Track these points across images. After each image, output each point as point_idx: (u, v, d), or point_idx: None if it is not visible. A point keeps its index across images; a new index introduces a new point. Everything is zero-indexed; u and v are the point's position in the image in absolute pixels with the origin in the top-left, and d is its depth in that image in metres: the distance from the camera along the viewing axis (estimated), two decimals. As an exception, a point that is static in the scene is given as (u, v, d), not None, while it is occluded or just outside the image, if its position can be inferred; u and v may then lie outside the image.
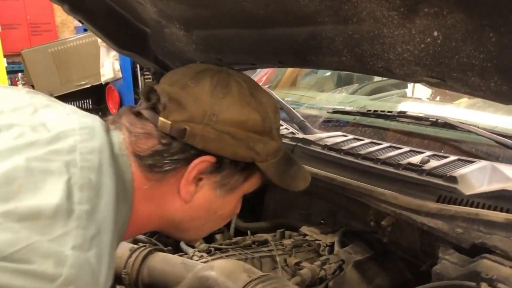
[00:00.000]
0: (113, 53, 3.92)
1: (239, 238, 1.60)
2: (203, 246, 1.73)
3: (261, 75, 2.32)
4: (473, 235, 1.02)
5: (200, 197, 0.90)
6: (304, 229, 1.64)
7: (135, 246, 1.23)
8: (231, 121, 0.86)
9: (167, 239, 1.93)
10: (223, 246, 1.48)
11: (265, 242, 1.54)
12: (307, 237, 1.59)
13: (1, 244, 0.62)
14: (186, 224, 0.94)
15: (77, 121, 0.82)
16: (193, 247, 1.77)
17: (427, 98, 1.77)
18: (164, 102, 0.86)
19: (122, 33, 1.80)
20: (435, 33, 0.86)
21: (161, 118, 0.85)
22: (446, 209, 1.06)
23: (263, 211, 2.00)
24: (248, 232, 1.67)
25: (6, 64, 6.50)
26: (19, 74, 5.90)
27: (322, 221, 1.70)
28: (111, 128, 0.87)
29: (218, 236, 1.93)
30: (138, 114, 0.89)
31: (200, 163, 0.86)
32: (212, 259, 1.36)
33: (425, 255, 1.21)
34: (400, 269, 1.38)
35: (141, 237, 1.62)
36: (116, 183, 0.77)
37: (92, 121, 0.84)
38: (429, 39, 0.88)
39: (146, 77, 4.38)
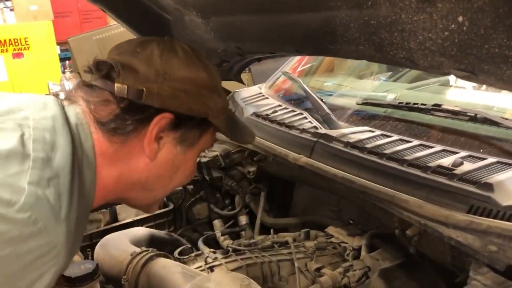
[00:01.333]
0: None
1: (259, 238, 1.51)
2: (226, 242, 1.68)
3: (295, 61, 2.20)
4: (509, 254, 0.87)
5: (163, 154, 0.95)
6: (331, 229, 1.53)
7: (137, 250, 1.17)
8: (183, 78, 0.93)
9: (192, 234, 1.89)
10: (241, 247, 1.39)
11: (286, 243, 1.44)
12: (332, 239, 1.48)
13: None
14: (152, 183, 0.98)
15: (30, 99, 0.88)
16: (216, 244, 1.73)
17: (472, 87, 1.58)
18: (117, 69, 0.90)
19: (145, 21, 1.76)
20: (460, 19, 0.73)
21: (117, 84, 0.89)
22: (477, 222, 0.91)
23: (292, 207, 1.91)
24: (271, 231, 1.58)
25: (59, 52, 6.72)
26: (67, 62, 6.07)
27: (351, 221, 1.58)
28: (66, 104, 0.91)
29: (243, 233, 1.87)
30: (91, 86, 0.93)
31: (160, 120, 0.91)
32: (226, 262, 1.29)
33: (457, 269, 1.07)
34: (433, 279, 1.25)
35: (161, 232, 1.58)
36: (72, 145, 0.82)
37: (45, 97, 0.90)
38: (453, 26, 0.75)
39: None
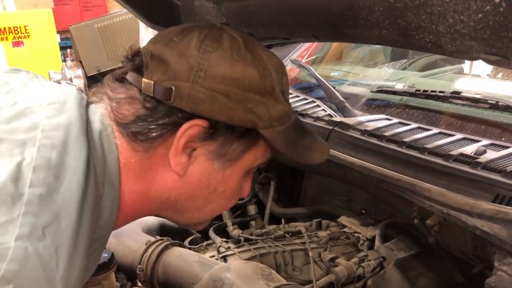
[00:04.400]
0: (151, 30, 3.85)
1: (271, 227, 1.49)
2: (236, 232, 1.66)
3: (302, 50, 2.17)
4: (538, 244, 0.85)
5: (195, 170, 0.78)
6: (343, 219, 1.51)
7: (152, 239, 1.15)
8: (223, 77, 0.74)
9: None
10: (253, 237, 1.37)
11: (298, 233, 1.42)
12: (345, 229, 1.47)
13: None
14: (183, 204, 0.82)
15: (49, 95, 0.73)
16: (225, 234, 1.71)
17: (487, 75, 1.56)
18: (146, 60, 0.75)
19: (153, 7, 1.73)
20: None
21: (144, 79, 0.74)
22: (505, 211, 0.88)
23: (301, 197, 1.89)
24: (282, 221, 1.57)
25: (59, 40, 6.66)
26: (68, 50, 6.02)
27: (363, 211, 1.56)
28: (93, 101, 0.77)
29: (252, 223, 1.85)
30: (121, 80, 0.78)
31: (190, 127, 0.74)
32: (239, 252, 1.27)
33: (478, 260, 1.05)
34: (450, 270, 1.23)
35: (171, 223, 1.56)
36: (87, 162, 0.66)
37: (66, 94, 0.74)
38: (488, 7, 0.72)
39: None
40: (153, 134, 0.74)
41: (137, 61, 0.77)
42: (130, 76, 0.76)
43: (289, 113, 0.84)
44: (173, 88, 0.72)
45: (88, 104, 0.76)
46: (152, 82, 0.73)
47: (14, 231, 0.57)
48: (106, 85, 0.78)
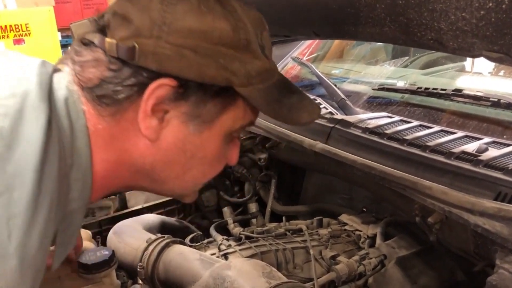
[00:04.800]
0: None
1: (272, 225, 1.49)
2: (237, 230, 1.66)
3: (304, 47, 2.16)
4: (539, 242, 0.85)
5: (168, 134, 0.72)
6: (344, 217, 1.51)
7: (152, 237, 1.15)
8: (190, 31, 0.67)
9: (201, 222, 1.87)
10: (254, 235, 1.37)
11: (299, 231, 1.42)
12: (346, 227, 1.47)
13: None
14: (160, 172, 0.76)
15: (9, 66, 0.69)
16: (226, 232, 1.71)
17: (489, 73, 1.55)
18: (108, 19, 0.70)
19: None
20: (500, -4, 0.69)
21: (106, 39, 0.68)
22: (506, 209, 0.88)
23: (302, 195, 1.89)
24: (283, 218, 1.56)
25: (60, 38, 6.66)
26: (69, 48, 6.01)
27: (364, 209, 1.56)
28: (59, 68, 0.71)
29: (253, 221, 1.85)
30: (87, 43, 0.70)
31: (158, 88, 0.68)
32: (240, 249, 1.27)
33: (480, 258, 1.05)
34: (451, 268, 1.23)
35: (172, 219, 1.56)
36: (46, 130, 0.61)
37: (27, 63, 0.69)
38: (491, 4, 0.71)
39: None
40: (119, 96, 0.68)
41: (102, 21, 0.71)
42: (95, 38, 0.70)
43: (270, 69, 0.77)
44: (136, 46, 0.66)
45: (55, 71, 0.70)
46: (115, 41, 0.67)
47: None
48: (72, 50, 0.72)
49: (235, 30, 0.70)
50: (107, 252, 1.00)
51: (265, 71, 0.75)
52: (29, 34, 5.63)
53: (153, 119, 0.70)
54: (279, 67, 2.16)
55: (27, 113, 0.61)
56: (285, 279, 0.88)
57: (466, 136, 1.15)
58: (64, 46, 6.58)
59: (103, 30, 0.70)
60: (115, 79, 0.68)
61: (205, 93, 0.71)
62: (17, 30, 5.53)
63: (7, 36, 5.52)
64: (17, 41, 5.68)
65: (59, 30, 6.24)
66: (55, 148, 0.62)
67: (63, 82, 0.68)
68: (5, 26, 5.47)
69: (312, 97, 1.66)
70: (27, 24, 5.54)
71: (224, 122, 0.75)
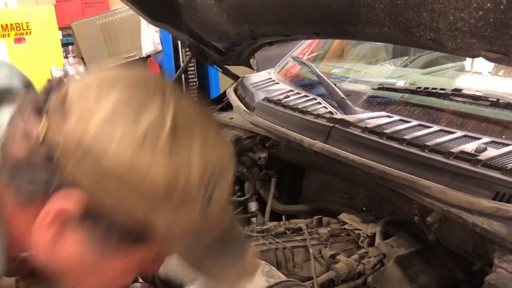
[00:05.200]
0: (153, 26, 3.87)
1: (272, 224, 1.50)
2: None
3: (304, 47, 2.17)
4: (537, 241, 0.85)
5: (64, 249, 0.64)
6: (344, 216, 1.52)
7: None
8: (120, 162, 0.58)
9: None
10: (253, 234, 1.38)
11: (299, 230, 1.43)
12: (346, 226, 1.47)
13: None
14: (54, 275, 0.69)
15: None
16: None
17: (489, 73, 1.56)
18: (54, 102, 0.61)
19: (155, 3, 1.73)
20: (498, -3, 0.70)
21: (43, 121, 0.60)
22: (505, 209, 0.89)
23: (302, 194, 1.89)
24: (283, 217, 1.57)
25: (61, 37, 6.66)
26: (70, 47, 6.02)
27: (364, 208, 1.57)
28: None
29: (253, 220, 1.85)
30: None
31: (64, 204, 0.60)
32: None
33: (478, 257, 1.05)
34: (450, 267, 1.23)
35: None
36: None
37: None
38: (489, 4, 0.72)
39: (187, 50, 4.31)
40: (29, 188, 0.62)
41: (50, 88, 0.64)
42: (41, 106, 0.62)
43: (206, 225, 0.65)
44: (58, 151, 0.58)
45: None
46: (44, 130, 0.60)
47: None
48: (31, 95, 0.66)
49: (171, 182, 0.60)
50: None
51: (197, 227, 0.64)
52: (30, 32, 5.64)
53: (49, 233, 0.63)
54: (280, 65, 2.17)
55: None
56: (284, 278, 0.89)
57: (465, 135, 1.15)
58: (64, 44, 6.58)
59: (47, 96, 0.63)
60: (27, 167, 0.61)
61: (114, 230, 0.62)
62: (18, 29, 5.54)
63: (8, 35, 5.53)
64: (18, 40, 5.69)
65: (60, 28, 6.25)
66: None
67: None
68: (6, 25, 5.48)
69: (311, 96, 1.66)
70: (28, 22, 5.54)
71: (130, 258, 0.67)
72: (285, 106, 1.61)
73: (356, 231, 1.43)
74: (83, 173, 0.59)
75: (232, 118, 1.91)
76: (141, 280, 1.15)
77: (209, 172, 0.63)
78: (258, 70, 2.40)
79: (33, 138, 0.60)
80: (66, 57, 5.98)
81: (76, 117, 0.59)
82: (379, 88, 1.54)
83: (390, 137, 1.20)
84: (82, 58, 4.82)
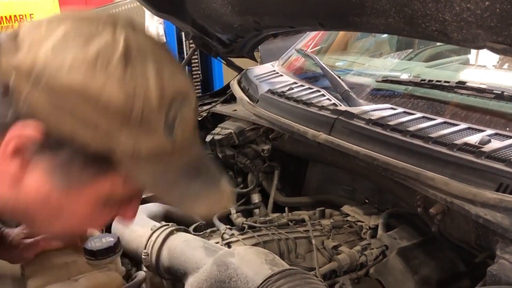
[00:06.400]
0: (157, 18, 3.86)
1: (275, 215, 1.50)
2: (240, 220, 1.67)
3: (308, 39, 2.16)
4: (540, 232, 0.85)
5: (30, 184, 0.65)
6: (346, 208, 1.52)
7: (157, 225, 1.16)
8: (71, 88, 0.59)
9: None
10: (256, 224, 1.39)
11: (302, 221, 1.43)
12: (348, 218, 1.48)
13: None
14: (24, 215, 0.70)
15: None
16: (229, 222, 1.72)
17: (493, 66, 1.55)
18: (5, 38, 0.63)
19: (157, -7, 1.73)
20: (504, -13, 0.69)
21: None
22: (508, 200, 0.89)
23: (304, 186, 1.90)
24: (286, 209, 1.58)
25: (64, 29, 6.66)
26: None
27: (367, 200, 1.57)
28: None
29: (256, 211, 1.86)
30: None
31: (24, 131, 0.61)
32: (243, 238, 1.28)
33: (481, 248, 1.06)
34: (452, 259, 1.24)
35: (175, 208, 1.57)
36: None
37: None
38: (495, -5, 0.71)
39: (191, 42, 4.29)
40: None
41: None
42: None
43: (171, 151, 0.66)
44: (12, 80, 0.60)
45: None
46: None
47: None
48: None
49: (128, 100, 0.60)
50: (112, 239, 1.02)
51: (162, 151, 0.65)
52: (33, 25, 5.65)
53: (13, 164, 0.63)
54: (284, 58, 2.17)
55: None
56: (288, 267, 0.89)
57: (469, 128, 1.15)
58: (68, 36, 6.59)
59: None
60: None
61: (77, 154, 0.62)
62: (22, 20, 5.53)
63: (11, 27, 5.53)
64: (21, 32, 5.69)
65: (63, 20, 6.24)
66: None
67: None
68: (10, 16, 5.48)
69: (315, 88, 1.66)
70: (31, 14, 5.54)
71: (98, 188, 0.67)
72: (289, 98, 1.61)
73: (359, 223, 1.44)
74: (38, 100, 0.59)
75: (235, 110, 1.91)
76: (145, 269, 1.16)
77: (168, 97, 0.63)
78: (262, 63, 2.40)
79: None
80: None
81: (26, 48, 0.60)
82: (383, 81, 1.54)
83: (394, 129, 1.20)
84: (86, 50, 4.80)
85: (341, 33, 2.18)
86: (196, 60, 4.43)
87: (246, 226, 1.35)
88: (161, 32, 4.10)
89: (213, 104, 2.15)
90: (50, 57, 0.59)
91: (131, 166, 0.64)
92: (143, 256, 1.10)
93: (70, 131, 0.60)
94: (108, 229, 1.33)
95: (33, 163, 0.64)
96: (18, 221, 0.78)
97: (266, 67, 2.11)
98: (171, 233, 1.12)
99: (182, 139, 0.66)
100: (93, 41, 0.61)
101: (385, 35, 2.17)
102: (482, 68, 1.61)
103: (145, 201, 1.62)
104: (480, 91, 1.23)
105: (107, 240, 1.01)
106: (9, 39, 0.62)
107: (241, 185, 1.93)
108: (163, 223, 1.18)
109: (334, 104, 1.47)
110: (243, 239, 1.27)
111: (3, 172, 0.64)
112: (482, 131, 1.12)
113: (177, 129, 0.65)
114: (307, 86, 1.71)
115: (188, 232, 1.20)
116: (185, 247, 1.06)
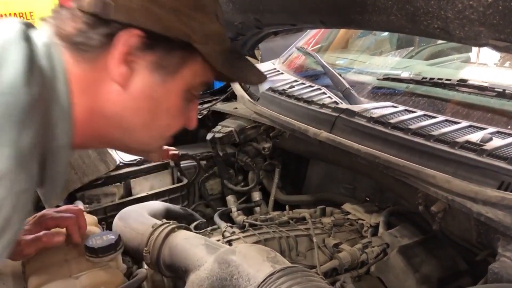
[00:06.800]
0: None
1: (276, 213, 1.50)
2: (240, 218, 1.67)
3: (308, 37, 2.16)
4: (542, 230, 0.85)
5: (137, 81, 0.80)
6: (347, 206, 1.52)
7: (158, 222, 1.16)
8: None
9: (205, 210, 1.89)
10: (257, 222, 1.38)
11: (303, 219, 1.43)
12: (349, 216, 1.48)
13: None
14: (130, 118, 0.82)
15: None
16: (230, 220, 1.72)
17: (494, 64, 1.55)
18: None
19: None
20: (507, -16, 0.69)
21: None
22: (509, 198, 0.89)
23: (305, 184, 1.90)
24: (287, 207, 1.58)
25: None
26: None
27: (368, 198, 1.57)
28: (37, 27, 0.79)
29: (257, 209, 1.86)
30: (63, 6, 0.79)
31: (129, 37, 0.76)
32: (244, 236, 1.28)
33: (482, 246, 1.06)
34: (453, 257, 1.24)
35: (176, 207, 1.57)
36: (29, 62, 0.68)
37: (6, 23, 0.76)
38: (498, -8, 0.71)
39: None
40: (94, 43, 0.76)
41: None
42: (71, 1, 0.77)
43: (224, 35, 0.88)
44: (111, 1, 0.74)
45: (30, 27, 0.77)
46: None
47: None
48: (52, 12, 0.80)
49: None
50: (113, 236, 1.02)
51: (220, 35, 0.86)
52: (34, 22, 5.63)
53: (123, 66, 0.77)
54: (284, 57, 2.17)
55: (8, 44, 0.69)
56: (289, 264, 0.89)
57: (470, 126, 1.15)
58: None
59: None
60: (90, 29, 0.76)
61: (169, 45, 0.79)
62: (22, 18, 5.53)
63: (11, 24, 5.51)
64: (21, 30, 5.68)
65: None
66: (37, 75, 0.69)
67: (43, 34, 0.76)
68: (10, 14, 5.47)
69: (316, 86, 1.66)
70: (32, 12, 5.53)
71: (185, 75, 0.83)
72: (289, 96, 1.61)
73: (360, 221, 1.44)
74: (133, 12, 0.75)
75: (236, 108, 1.91)
76: (146, 267, 1.16)
77: None
78: (262, 61, 2.39)
79: (79, 15, 0.75)
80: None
81: None
82: (384, 79, 1.54)
83: (395, 127, 1.20)
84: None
85: (342, 31, 2.18)
86: (197, 59, 4.42)
87: (247, 224, 1.35)
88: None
89: (214, 102, 2.15)
90: None
91: (204, 49, 0.81)
92: (144, 254, 1.10)
93: (161, 25, 0.76)
94: (109, 227, 1.33)
95: (138, 64, 0.79)
96: (117, 139, 0.87)
97: (267, 65, 2.11)
98: (172, 230, 1.12)
99: (224, 26, 0.87)
100: None
101: (386, 33, 2.18)
102: (483, 66, 1.60)
103: (145, 199, 1.63)
104: (481, 89, 1.23)
105: (108, 238, 1.01)
106: None
107: (242, 183, 1.93)
108: (164, 220, 1.18)
109: (335, 102, 1.47)
110: (244, 237, 1.27)
111: (119, 74, 0.78)
112: (484, 129, 1.12)
113: (220, 18, 0.86)
114: (308, 84, 1.71)
115: (189, 229, 1.20)
116: (186, 244, 1.06)
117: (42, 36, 0.76)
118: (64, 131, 0.75)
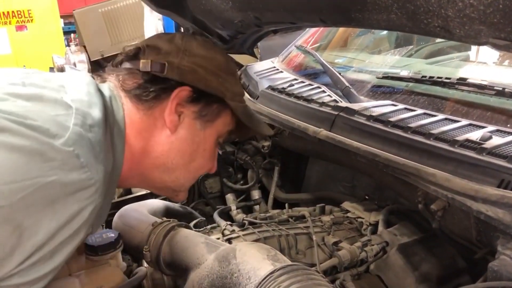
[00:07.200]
0: (157, 13, 3.84)
1: (275, 212, 1.50)
2: (240, 216, 1.67)
3: (307, 36, 2.16)
4: (541, 228, 0.85)
5: (183, 128, 1.00)
6: (346, 205, 1.52)
7: (158, 220, 1.16)
8: (201, 56, 1.00)
9: (204, 208, 1.89)
10: (257, 221, 1.39)
11: (302, 218, 1.44)
12: (348, 214, 1.48)
13: (11, 112, 0.74)
14: (173, 159, 1.00)
15: (63, 73, 0.98)
16: (229, 218, 1.72)
17: (493, 63, 1.55)
18: (142, 47, 0.99)
19: (157, -11, 1.72)
20: (509, -18, 0.69)
21: (142, 60, 0.98)
22: (509, 196, 0.89)
23: (304, 182, 1.90)
24: (286, 205, 1.58)
25: (63, 25, 6.64)
26: (72, 35, 6.00)
27: (367, 197, 1.57)
28: (98, 81, 0.98)
29: (256, 208, 1.86)
30: (119, 66, 1.02)
31: (180, 92, 0.97)
32: (243, 234, 1.28)
33: (482, 245, 1.06)
34: (452, 255, 1.24)
35: (176, 205, 1.57)
36: (104, 109, 0.88)
37: (78, 73, 0.97)
38: (499, -10, 0.71)
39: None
40: (152, 95, 0.96)
41: (131, 52, 1.00)
42: (127, 62, 0.99)
43: (244, 94, 1.12)
44: (166, 63, 0.97)
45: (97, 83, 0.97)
46: (149, 60, 0.97)
47: (71, 120, 0.79)
48: (107, 70, 1.01)
49: (227, 62, 1.06)
50: (113, 235, 1.02)
51: (242, 94, 1.12)
52: (32, 20, 5.62)
53: (175, 115, 0.98)
54: (283, 55, 2.17)
55: (92, 94, 0.89)
56: (290, 262, 0.89)
57: (470, 124, 1.15)
58: (66, 33, 6.56)
59: (133, 57, 1.00)
60: (148, 84, 0.96)
61: (209, 100, 1.02)
62: (20, 16, 5.52)
63: (10, 23, 5.51)
64: (20, 28, 5.67)
65: (61, 16, 6.22)
66: (109, 124, 0.88)
67: (106, 87, 0.96)
68: (8, 12, 5.46)
69: (316, 85, 1.66)
70: (30, 10, 5.53)
71: (218, 124, 1.06)
72: (289, 94, 1.61)
73: (359, 219, 1.44)
74: (183, 73, 0.98)
75: (235, 107, 1.91)
76: (146, 265, 1.16)
77: (234, 64, 1.13)
78: (261, 59, 2.39)
79: (137, 73, 0.98)
80: (67, 45, 5.96)
81: (165, 45, 1.01)
82: (383, 77, 1.54)
83: (395, 125, 1.20)
84: (84, 46, 4.80)
85: (341, 29, 2.18)
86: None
87: (247, 222, 1.35)
88: (160, 28, 4.09)
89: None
90: (184, 44, 1.01)
91: (233, 104, 1.04)
92: (144, 252, 1.10)
93: (204, 83, 0.99)
94: (108, 225, 1.33)
95: (184, 114, 1.00)
96: (156, 178, 1.04)
97: (266, 64, 2.11)
98: (172, 229, 1.12)
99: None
100: (195, 37, 1.10)
101: (385, 32, 2.17)
102: (483, 65, 1.60)
103: (144, 197, 1.63)
104: (481, 88, 1.23)
105: (108, 236, 1.01)
106: (145, 47, 1.01)
107: (241, 182, 1.93)
108: (164, 219, 1.18)
109: (335, 101, 1.47)
110: (243, 235, 1.27)
111: (171, 121, 0.98)
112: (483, 127, 1.12)
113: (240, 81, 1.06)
114: (307, 82, 1.71)
115: (189, 228, 1.20)
116: (186, 242, 1.06)
117: (106, 90, 0.94)
118: (118, 162, 0.91)
